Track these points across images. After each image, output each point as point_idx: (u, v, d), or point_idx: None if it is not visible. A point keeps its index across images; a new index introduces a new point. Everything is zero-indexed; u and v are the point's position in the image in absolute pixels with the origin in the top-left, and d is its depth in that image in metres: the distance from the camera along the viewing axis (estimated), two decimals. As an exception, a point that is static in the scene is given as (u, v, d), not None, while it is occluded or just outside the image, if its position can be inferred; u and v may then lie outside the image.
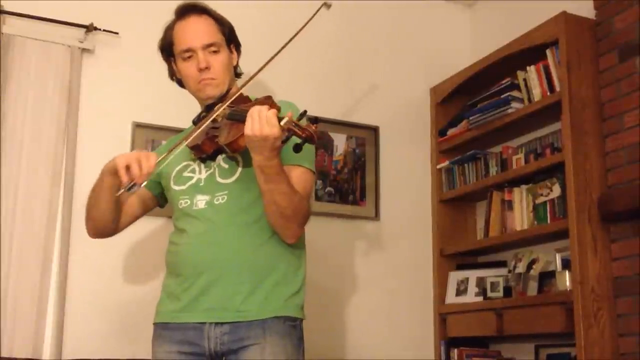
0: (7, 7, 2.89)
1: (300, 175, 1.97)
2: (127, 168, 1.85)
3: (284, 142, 1.75)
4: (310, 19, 2.01)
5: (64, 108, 2.94)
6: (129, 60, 3.12)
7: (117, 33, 3.08)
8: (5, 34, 2.88)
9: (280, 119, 1.73)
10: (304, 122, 1.74)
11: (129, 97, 3.11)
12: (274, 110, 1.76)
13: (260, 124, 1.74)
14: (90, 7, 3.06)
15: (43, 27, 2.94)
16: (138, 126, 3.10)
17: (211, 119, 1.97)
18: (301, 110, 1.80)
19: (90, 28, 3.01)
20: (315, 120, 1.74)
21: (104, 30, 3.05)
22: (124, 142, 3.06)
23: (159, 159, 1.91)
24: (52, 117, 2.91)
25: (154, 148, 3.08)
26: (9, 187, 2.80)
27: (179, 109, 3.00)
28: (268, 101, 1.90)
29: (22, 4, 2.92)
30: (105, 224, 2.14)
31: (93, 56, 3.06)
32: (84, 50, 3.02)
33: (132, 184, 1.85)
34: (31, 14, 2.92)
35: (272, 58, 2.01)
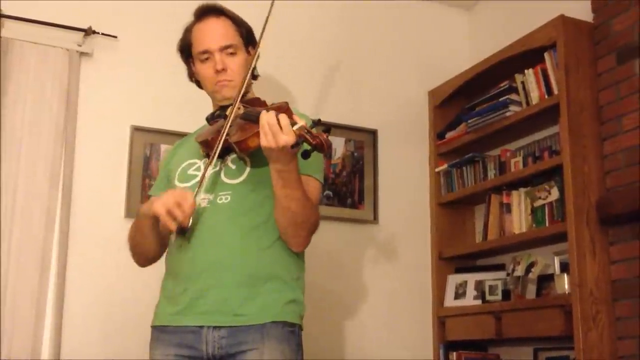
0: (6, 10, 2.89)
1: (309, 184, 1.96)
2: (169, 213, 1.85)
3: (294, 147, 1.74)
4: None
5: (63, 111, 2.94)
6: (127, 64, 3.12)
7: (115, 36, 3.08)
8: (4, 38, 2.88)
9: (292, 124, 1.73)
10: (316, 131, 1.73)
11: (128, 100, 3.11)
12: (284, 115, 1.75)
13: (273, 133, 1.73)
14: (89, 11, 3.07)
15: (41, 31, 2.94)
16: (136, 129, 3.09)
17: (229, 121, 1.95)
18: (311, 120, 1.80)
19: (88, 31, 3.01)
20: (327, 129, 1.73)
21: (102, 33, 3.05)
22: (123, 145, 3.07)
23: (194, 192, 1.92)
24: (50, 120, 2.91)
25: (152, 151, 3.09)
26: (8, 189, 2.80)
27: (178, 113, 3.02)
28: (283, 107, 1.87)
29: (21, 8, 2.92)
30: (155, 254, 2.15)
31: (91, 59, 3.06)
32: (82, 53, 3.02)
33: (181, 228, 1.89)
34: (30, 17, 2.92)
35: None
